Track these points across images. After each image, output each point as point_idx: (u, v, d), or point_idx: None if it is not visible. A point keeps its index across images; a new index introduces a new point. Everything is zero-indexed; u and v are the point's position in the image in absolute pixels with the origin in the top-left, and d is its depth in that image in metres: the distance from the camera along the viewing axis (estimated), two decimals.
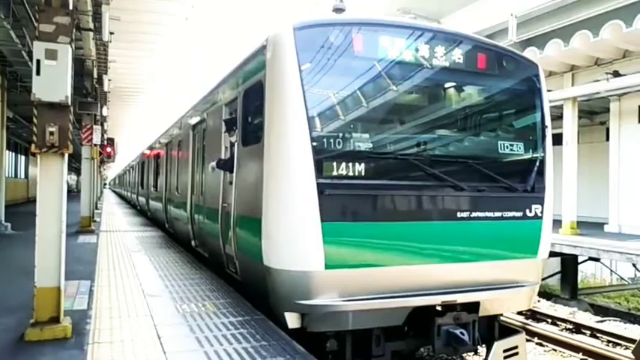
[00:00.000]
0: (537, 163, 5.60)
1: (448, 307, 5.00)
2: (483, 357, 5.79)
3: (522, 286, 5.41)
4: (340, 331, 4.70)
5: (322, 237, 4.43)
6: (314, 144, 4.52)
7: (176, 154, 11.42)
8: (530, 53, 11.77)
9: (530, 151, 5.65)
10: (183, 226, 9.79)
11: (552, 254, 9.42)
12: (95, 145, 15.82)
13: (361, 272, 4.61)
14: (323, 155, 4.55)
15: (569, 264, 13.04)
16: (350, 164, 4.63)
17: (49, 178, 4.75)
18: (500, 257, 5.29)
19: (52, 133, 4.71)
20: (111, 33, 10.84)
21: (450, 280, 4.97)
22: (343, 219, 4.56)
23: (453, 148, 5.40)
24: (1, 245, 11.56)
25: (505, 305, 5.53)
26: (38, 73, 4.67)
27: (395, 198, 4.85)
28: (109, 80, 15.90)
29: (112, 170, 68.16)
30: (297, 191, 4.51)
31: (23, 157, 31.16)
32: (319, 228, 4.42)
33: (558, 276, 13.78)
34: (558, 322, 10.39)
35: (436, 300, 4.88)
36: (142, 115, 29.35)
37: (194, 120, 9.27)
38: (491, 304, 5.26)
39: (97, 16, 9.89)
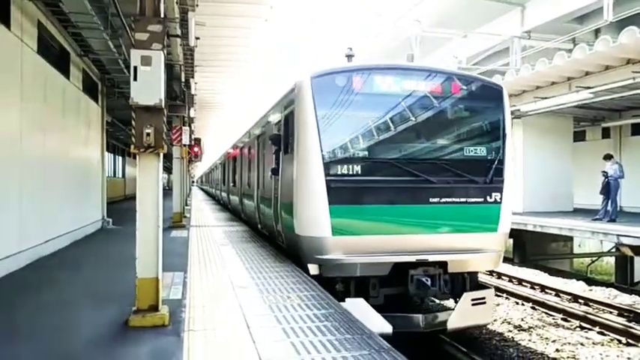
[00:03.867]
0: (496, 163, 7.45)
1: (422, 264, 7.02)
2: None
3: (484, 252, 7.30)
4: (345, 277, 6.92)
5: (330, 215, 6.76)
6: (323, 154, 6.89)
7: (247, 157, 14.27)
8: (630, 33, 10.89)
9: (492, 153, 7.52)
10: (252, 214, 12.60)
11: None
12: (184, 145, 16.63)
13: (357, 238, 6.87)
14: (329, 161, 6.89)
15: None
16: (347, 166, 6.95)
17: (147, 176, 5.12)
18: (464, 230, 7.24)
19: (148, 135, 5.06)
20: (196, 38, 11.38)
21: (423, 245, 7.03)
22: (343, 203, 6.83)
23: (427, 154, 7.40)
24: (104, 239, 12.62)
25: (471, 265, 7.38)
26: (135, 78, 5.03)
27: (380, 189, 7.00)
28: (196, 83, 16.67)
29: (198, 169, 70.65)
30: (314, 185, 6.85)
31: (120, 158, 33.02)
32: (327, 209, 6.76)
33: None
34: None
35: (411, 258, 6.96)
36: (224, 117, 30.77)
37: (257, 131, 12.01)
38: (458, 263, 7.23)
39: (184, 23, 10.45)
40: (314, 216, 6.86)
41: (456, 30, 21.71)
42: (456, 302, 7.33)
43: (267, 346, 4.30)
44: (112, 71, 14.38)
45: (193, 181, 74.60)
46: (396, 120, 7.29)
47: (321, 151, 6.87)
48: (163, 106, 5.14)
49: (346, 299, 6.62)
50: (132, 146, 5.11)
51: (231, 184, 19.01)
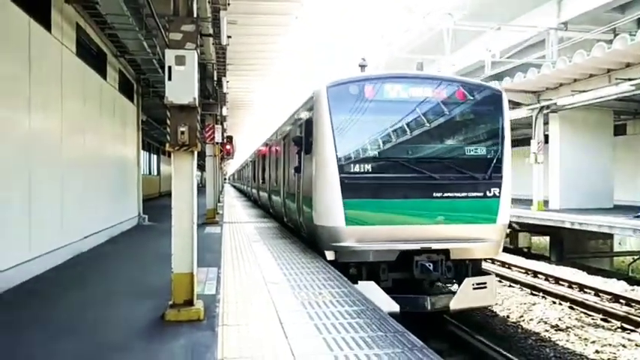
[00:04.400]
0: (495, 161, 8.19)
1: (426, 251, 7.83)
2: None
3: (483, 241, 8.09)
4: (357, 262, 7.83)
5: (343, 207, 7.68)
6: (338, 155, 7.81)
7: (275, 156, 15.13)
8: None
9: (491, 152, 8.26)
10: (279, 209, 13.63)
11: None
12: (217, 143, 16.78)
13: (368, 228, 7.75)
14: (343, 161, 7.81)
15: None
16: (359, 165, 7.86)
17: (182, 173, 5.22)
18: (465, 221, 8.01)
19: (182, 133, 5.16)
20: (228, 37, 11.51)
21: (427, 235, 7.85)
22: (356, 197, 7.73)
23: (431, 153, 8.20)
24: (140, 235, 12.94)
25: (472, 253, 8.14)
26: (170, 78, 5.14)
27: (388, 185, 7.86)
28: (228, 82, 16.77)
29: (230, 166, 71.48)
30: (330, 182, 7.80)
31: (155, 156, 33.68)
32: (342, 202, 7.69)
33: None
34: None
35: (416, 246, 7.80)
36: (256, 115, 31.05)
37: (284, 132, 12.95)
38: (460, 251, 8.02)
39: (216, 22, 10.58)
40: (330, 208, 7.82)
41: (489, 23, 21.27)
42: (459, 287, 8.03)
43: (300, 341, 4.34)
44: (147, 71, 14.71)
45: (225, 179, 75.13)
46: (403, 123, 8.16)
47: (336, 152, 7.81)
48: (197, 104, 5.22)
49: (359, 282, 7.38)
50: (167, 144, 5.22)
51: (261, 181, 19.91)
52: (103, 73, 11.40)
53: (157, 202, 24.10)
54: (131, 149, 14.85)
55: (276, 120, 20.60)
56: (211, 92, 15.22)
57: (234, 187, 62.86)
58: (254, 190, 24.83)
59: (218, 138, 16.62)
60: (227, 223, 15.07)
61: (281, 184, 13.03)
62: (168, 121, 5.22)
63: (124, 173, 13.88)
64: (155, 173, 34.09)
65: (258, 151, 21.57)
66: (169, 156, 5.40)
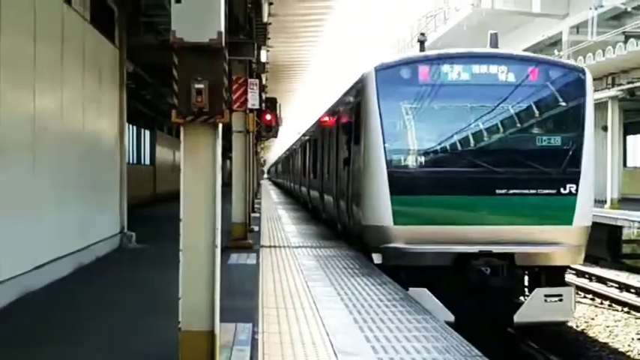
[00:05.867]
0: (571, 152, 7.18)
1: (485, 255, 6.91)
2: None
3: (557, 245, 7.05)
4: (407, 266, 7.04)
5: (391, 204, 7.03)
6: (385, 145, 7.15)
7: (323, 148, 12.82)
8: None
9: (568, 142, 7.29)
10: (332, 211, 11.44)
11: None
12: (251, 110, 10.18)
13: (418, 228, 7.10)
14: (392, 154, 7.17)
15: None
16: (410, 157, 7.30)
17: (197, 162, 3.10)
18: (533, 222, 7.13)
19: (199, 92, 3.04)
20: None
21: (487, 236, 6.98)
22: (405, 194, 7.11)
23: (494, 144, 7.53)
24: (124, 265, 8.47)
25: (542, 259, 7.21)
26: None
27: (440, 180, 7.17)
28: (270, 4, 10.03)
29: (271, 152, 48.33)
30: (377, 176, 7.19)
31: (147, 133, 22.45)
32: (389, 198, 7.06)
33: None
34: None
35: (473, 249, 6.91)
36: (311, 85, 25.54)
37: (331, 119, 11.40)
38: (527, 257, 7.07)
39: None
40: (377, 205, 7.21)
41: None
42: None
43: None
44: None
45: (263, 171, 51.80)
46: (464, 110, 7.50)
47: (384, 143, 7.14)
48: (224, 44, 3.09)
49: (409, 288, 6.59)
50: (173, 112, 3.08)
51: (326, 177, 13.26)
52: None
53: (149, 211, 16.38)
54: (109, 120, 9.42)
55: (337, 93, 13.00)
56: (242, 23, 8.84)
57: (276, 184, 44.63)
58: (313, 193, 15.86)
59: (253, 102, 10.03)
60: (267, 247, 9.78)
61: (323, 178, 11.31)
62: (174, 73, 3.10)
63: (98, 161, 8.71)
64: (147, 162, 22.42)
65: (318, 126, 14.25)
66: (173, 133, 3.21)
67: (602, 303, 10.42)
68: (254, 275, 7.16)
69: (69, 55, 7.19)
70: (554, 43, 22.33)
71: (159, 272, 6.05)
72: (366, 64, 11.57)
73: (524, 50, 21.55)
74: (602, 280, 12.02)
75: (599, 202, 17.00)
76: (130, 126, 16.85)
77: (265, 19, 10.25)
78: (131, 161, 17.25)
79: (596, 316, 9.60)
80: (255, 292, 6.07)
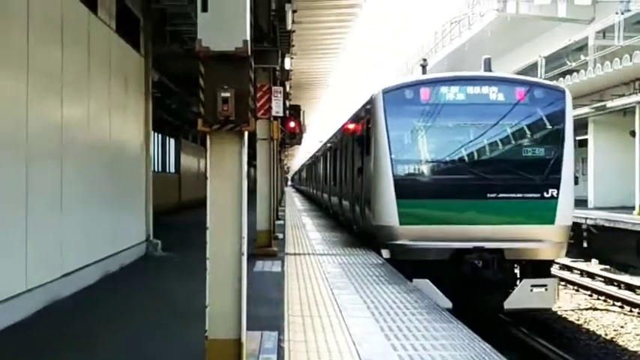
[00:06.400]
0: (553, 162, 8.14)
1: (478, 250, 7.81)
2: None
3: (540, 241, 8.03)
4: (411, 260, 7.94)
5: (397, 207, 8.05)
6: (392, 156, 8.19)
7: (340, 156, 14.15)
8: None
9: (549, 153, 8.25)
10: (348, 213, 12.56)
11: None
12: (275, 117, 10.33)
13: (421, 227, 8.06)
14: (397, 163, 8.20)
15: None
16: (413, 167, 8.47)
17: (224, 170, 3.11)
18: (519, 222, 8.08)
19: (225, 101, 3.04)
20: None
21: (480, 234, 7.94)
22: (409, 197, 8.09)
23: (485, 155, 8.50)
24: (151, 273, 8.45)
25: (528, 254, 8.12)
26: (205, 7, 3.04)
27: (439, 186, 8.30)
28: (294, 12, 9.73)
29: (294, 160, 48.88)
30: (385, 183, 8.21)
31: (172, 142, 22.71)
32: (395, 202, 8.06)
33: None
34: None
35: (469, 245, 7.84)
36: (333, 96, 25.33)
37: (347, 132, 12.24)
38: (515, 252, 8.02)
39: None
40: (385, 208, 8.18)
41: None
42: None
43: None
44: None
45: (287, 178, 51.26)
46: (457, 125, 8.53)
47: (391, 154, 8.15)
48: (250, 52, 3.10)
49: (413, 279, 7.37)
50: (199, 121, 3.10)
51: (344, 184, 14.21)
52: (91, 3, 7.14)
53: (174, 219, 16.56)
54: (135, 128, 9.45)
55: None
56: (266, 31, 8.35)
57: (299, 191, 44.60)
58: (334, 199, 16.40)
59: (277, 109, 10.22)
60: (292, 254, 9.73)
61: (341, 184, 12.74)
62: (200, 82, 3.11)
63: (124, 169, 8.77)
64: (172, 170, 22.60)
65: (326, 146, 15.93)
66: (197, 141, 3.22)
67: (631, 311, 10.09)
68: (279, 283, 7.10)
69: (95, 64, 7.22)
70: (580, 47, 21.84)
71: (184, 280, 6.20)
72: (376, 84, 13.06)
73: (549, 55, 21.40)
74: (631, 287, 11.63)
75: (629, 209, 16.56)
76: (155, 134, 17.10)
77: (289, 26, 10.00)
78: (156, 169, 17.41)
79: (626, 324, 9.32)
80: (280, 300, 6.02)
